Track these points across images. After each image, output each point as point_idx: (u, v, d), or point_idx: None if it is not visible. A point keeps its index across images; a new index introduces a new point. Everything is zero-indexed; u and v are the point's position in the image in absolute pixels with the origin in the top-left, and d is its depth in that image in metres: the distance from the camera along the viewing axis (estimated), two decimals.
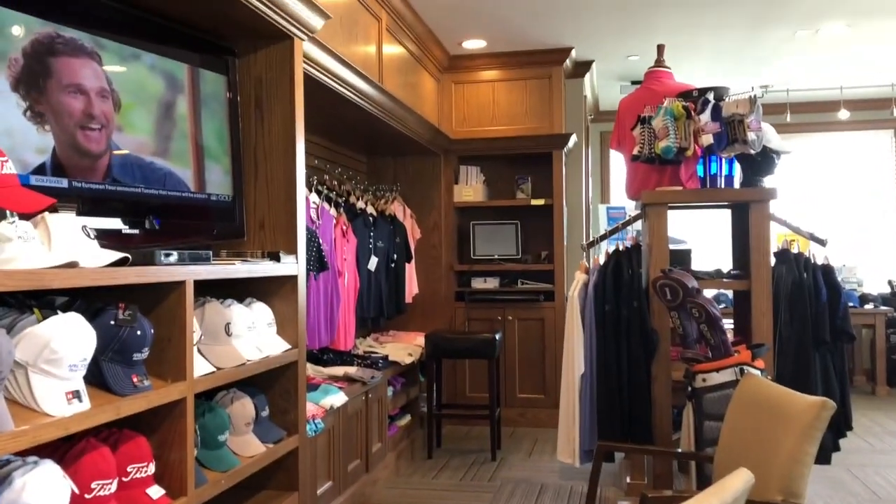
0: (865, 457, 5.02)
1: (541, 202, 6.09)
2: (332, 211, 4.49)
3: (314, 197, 4.23)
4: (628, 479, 4.26)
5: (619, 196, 7.44)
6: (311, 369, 4.19)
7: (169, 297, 2.19)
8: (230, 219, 2.93)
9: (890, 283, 7.95)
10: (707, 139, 3.15)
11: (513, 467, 4.95)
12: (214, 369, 2.43)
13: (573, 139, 6.12)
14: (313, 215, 4.15)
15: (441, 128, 5.96)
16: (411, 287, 5.72)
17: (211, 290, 2.69)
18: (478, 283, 6.18)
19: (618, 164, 7.96)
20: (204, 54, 2.83)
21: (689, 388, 2.93)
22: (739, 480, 1.35)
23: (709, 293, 7.53)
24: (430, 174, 6.19)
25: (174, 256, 2.12)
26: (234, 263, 2.58)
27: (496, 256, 6.22)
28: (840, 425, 3.33)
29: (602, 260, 3.57)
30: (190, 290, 2.22)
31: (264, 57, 3.05)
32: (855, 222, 8.16)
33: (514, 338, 6.07)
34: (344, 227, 4.58)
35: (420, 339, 5.44)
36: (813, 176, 8.21)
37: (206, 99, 2.83)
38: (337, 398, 3.66)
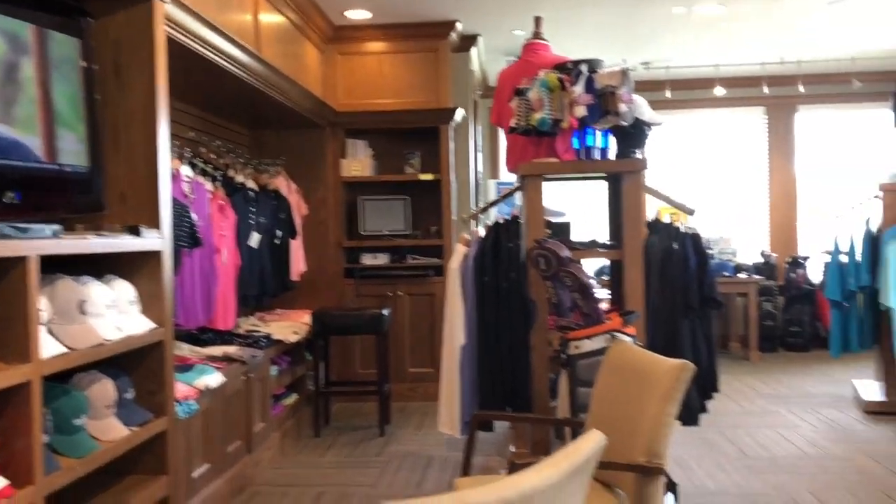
0: (737, 419, 5.27)
1: (430, 177, 6.07)
2: (209, 185, 4.32)
3: (187, 170, 4.06)
4: (512, 449, 4.34)
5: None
6: (188, 349, 4.04)
7: (10, 273, 2.04)
8: (87, 191, 2.75)
9: (763, 253, 8.38)
10: (581, 111, 3.19)
11: (401, 441, 4.95)
12: (67, 350, 2.28)
13: (460, 113, 6.11)
14: (186, 189, 3.98)
15: (326, 100, 5.83)
16: (297, 264, 5.60)
17: (72, 267, 2.53)
18: (367, 259, 6.12)
19: (505, 142, 8.02)
20: (53, 14, 2.64)
21: (564, 356, 2.98)
22: (590, 442, 1.36)
23: (592, 266, 7.74)
24: (315, 148, 6.06)
25: (9, 230, 1.97)
26: (86, 238, 2.42)
27: (385, 232, 6.17)
28: (707, 387, 3.47)
29: (482, 232, 3.58)
30: (34, 267, 2.07)
31: (123, 19, 2.88)
32: (731, 195, 8.53)
33: (404, 313, 6.05)
34: (221, 203, 4.42)
35: (307, 317, 5.34)
36: (692, 151, 8.52)
37: (56, 62, 2.63)
38: (213, 378, 3.54)
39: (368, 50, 6.14)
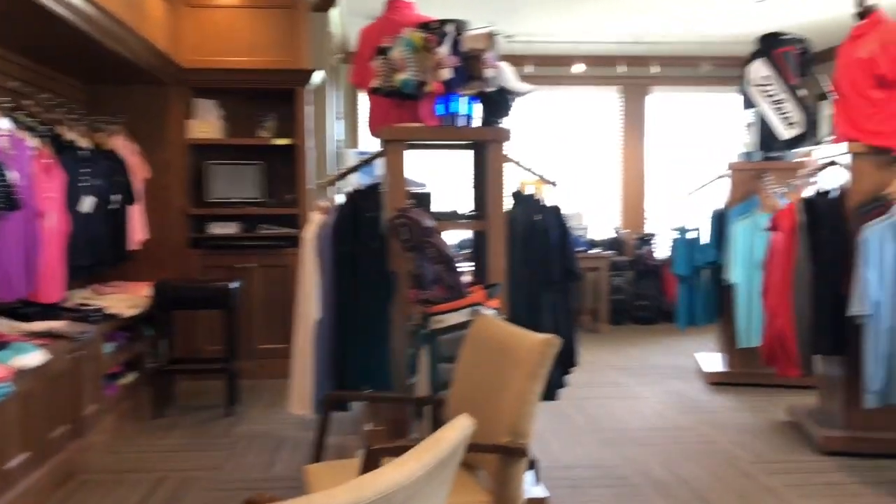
0: (589, 390, 5.36)
1: (285, 142, 5.75)
2: (32, 141, 3.84)
3: (5, 123, 3.59)
4: (368, 427, 4.17)
5: (371, 141, 7.27)
6: (6, 326, 3.60)
7: None
8: None
9: (614, 229, 8.63)
10: (446, 73, 3.03)
11: (251, 421, 4.68)
12: None
13: (319, 76, 5.82)
14: (4, 144, 3.51)
15: (171, 55, 5.38)
16: (136, 232, 5.16)
17: None
18: (215, 229, 5.74)
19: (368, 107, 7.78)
20: None
21: (425, 331, 2.84)
22: (456, 430, 1.21)
23: (453, 239, 7.66)
24: (159, 107, 5.60)
25: None
26: None
27: (236, 199, 5.80)
28: (566, 362, 3.45)
29: (341, 200, 3.36)
30: None
31: None
32: (586, 173, 8.71)
33: (255, 286, 5.73)
34: (48, 162, 3.95)
35: (148, 290, 4.93)
36: (550, 127, 8.61)
37: None
38: (32, 357, 3.15)
39: (219, 3, 5.72)
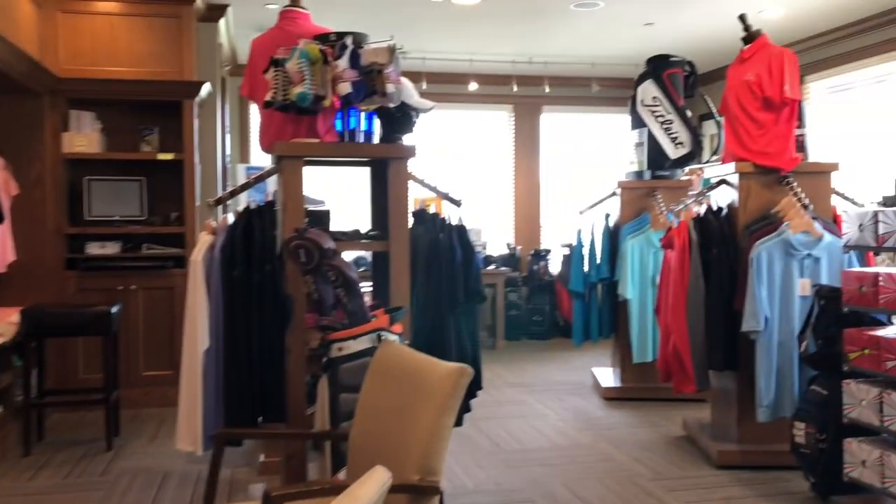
0: (489, 410, 5.30)
1: (170, 157, 5.44)
2: None
3: None
4: (262, 457, 3.96)
5: (262, 156, 7.02)
6: None
7: None
8: None
9: (508, 245, 8.67)
10: (345, 87, 2.90)
11: (133, 456, 4.35)
12: None
13: (206, 88, 5.55)
14: None
15: (44, 63, 5.00)
16: (4, 253, 4.74)
17: None
18: (94, 249, 5.35)
19: (258, 121, 7.53)
20: None
21: (325, 359, 2.68)
22: (373, 486, 1.08)
23: (349, 257, 7.48)
24: (30, 118, 5.19)
25: None
26: None
27: (117, 218, 5.44)
28: (472, 386, 3.35)
29: (231, 219, 3.16)
30: None
31: None
32: (481, 190, 8.72)
33: (138, 310, 5.38)
34: None
35: (15, 316, 4.52)
36: (445, 145, 8.58)
37: None
38: None
39: (98, 9, 5.38)
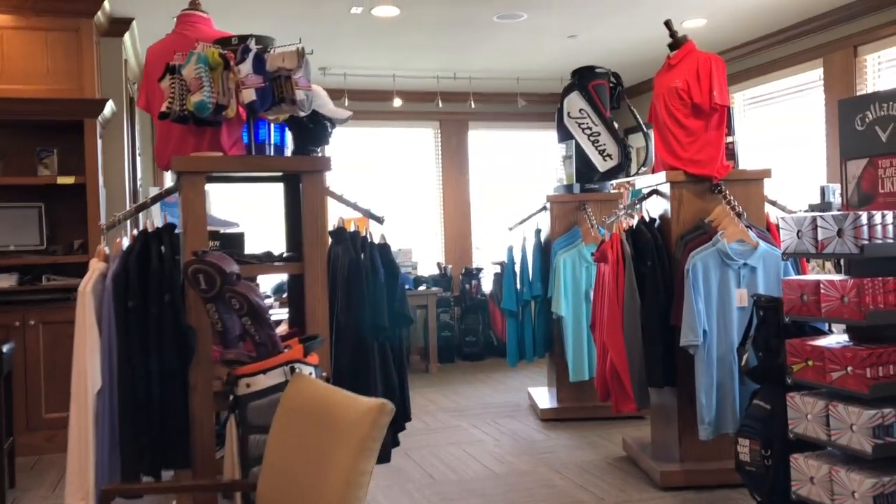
0: (422, 438, 5.04)
1: (70, 180, 5.04)
2: None
3: None
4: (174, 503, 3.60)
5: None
6: None
7: None
8: None
9: (439, 265, 8.45)
10: (249, 94, 2.63)
11: None
12: None
13: (110, 107, 5.18)
14: None
15: None
16: None
17: None
18: None
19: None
20: None
21: (231, 396, 2.39)
22: None
23: (269, 282, 7.16)
24: None
25: None
26: None
27: (12, 248, 5.01)
28: (400, 419, 3.10)
29: (126, 244, 2.84)
30: None
31: None
32: (409, 209, 8.49)
33: (38, 346, 4.94)
34: None
35: None
36: (369, 164, 8.34)
37: None
38: None
39: None
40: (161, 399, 2.68)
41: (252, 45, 2.70)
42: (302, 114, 2.75)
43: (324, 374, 2.52)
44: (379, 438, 1.69)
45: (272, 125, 2.98)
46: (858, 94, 5.70)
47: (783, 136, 6.66)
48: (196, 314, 2.66)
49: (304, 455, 1.87)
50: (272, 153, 2.95)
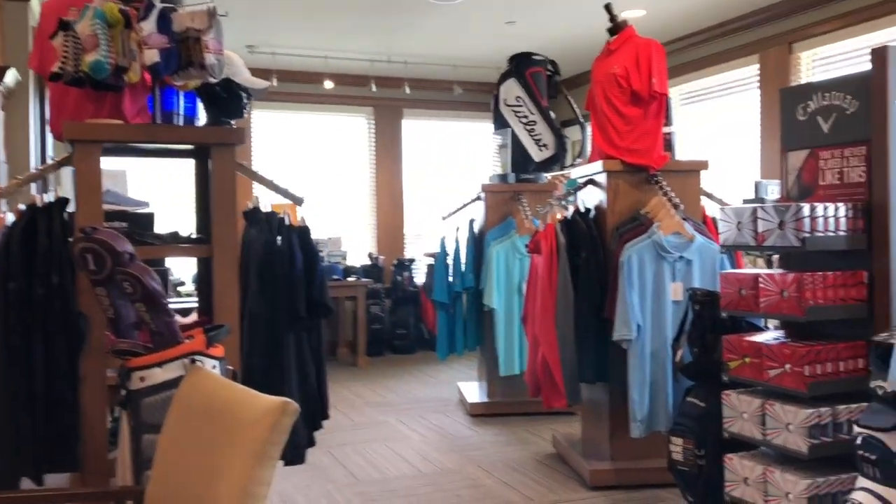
0: (346, 434, 4.82)
1: None
2: None
3: None
4: None
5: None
6: None
7: None
8: None
9: (370, 255, 8.22)
10: (152, 55, 2.37)
11: None
12: None
13: (11, 75, 4.78)
14: None
15: None
16: None
17: None
18: None
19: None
20: None
21: (124, 391, 2.13)
22: None
23: (189, 269, 6.80)
24: None
25: None
26: None
27: None
28: (316, 415, 2.87)
29: (10, 219, 2.54)
30: None
31: None
32: (339, 196, 8.23)
33: None
34: None
35: None
36: (298, 149, 8.04)
37: None
38: None
39: None
40: (46, 393, 2.40)
41: (156, 1, 2.43)
42: (213, 80, 2.50)
43: (230, 367, 2.28)
44: (280, 443, 1.47)
45: (181, 93, 2.71)
46: None
47: (718, 132, 6.64)
48: (90, 299, 2.39)
49: (198, 460, 1.64)
50: (181, 124, 2.68)
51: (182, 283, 6.54)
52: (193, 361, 2.11)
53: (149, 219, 3.47)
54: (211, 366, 2.15)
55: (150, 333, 2.15)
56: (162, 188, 6.60)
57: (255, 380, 2.54)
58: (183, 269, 6.57)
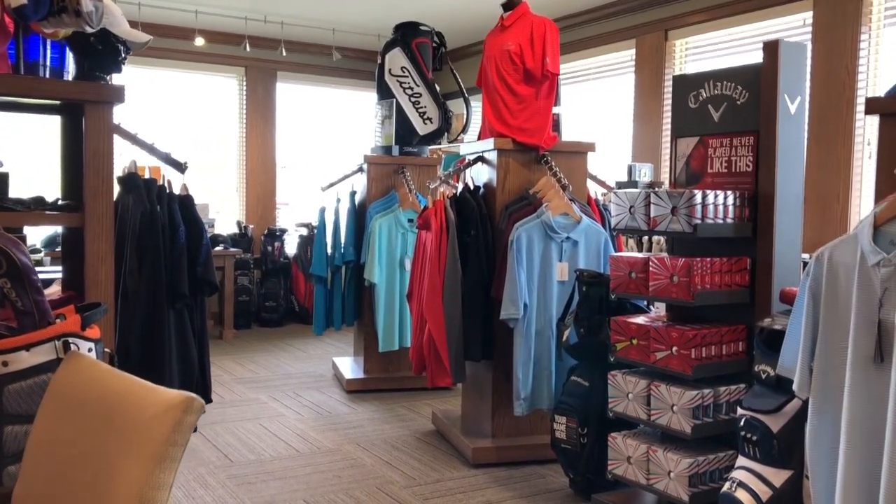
0: (216, 412, 4.60)
1: None
2: None
3: None
4: None
5: None
6: None
7: None
8: None
9: (239, 223, 7.88)
10: None
11: None
12: None
13: None
14: None
15: None
16: None
17: None
18: None
19: None
20: None
21: None
22: None
23: (37, 234, 6.29)
24: None
25: None
26: None
27: None
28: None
29: None
30: None
31: None
32: (207, 161, 7.82)
33: None
34: None
35: None
36: (162, 108, 7.56)
37: None
38: None
39: None
40: None
41: None
42: (89, 30, 2.24)
43: (107, 350, 2.07)
44: (183, 444, 1.33)
45: (49, 42, 2.42)
46: (667, 77, 5.89)
47: (594, 113, 6.79)
48: None
49: (83, 460, 1.46)
50: (47, 76, 2.40)
51: (38, 251, 6.00)
52: (67, 344, 1.89)
53: (3, 179, 3.10)
54: (87, 349, 1.95)
55: (16, 312, 1.91)
56: (13, 145, 6.02)
57: (132, 364, 2.34)
58: (33, 233, 6.04)
